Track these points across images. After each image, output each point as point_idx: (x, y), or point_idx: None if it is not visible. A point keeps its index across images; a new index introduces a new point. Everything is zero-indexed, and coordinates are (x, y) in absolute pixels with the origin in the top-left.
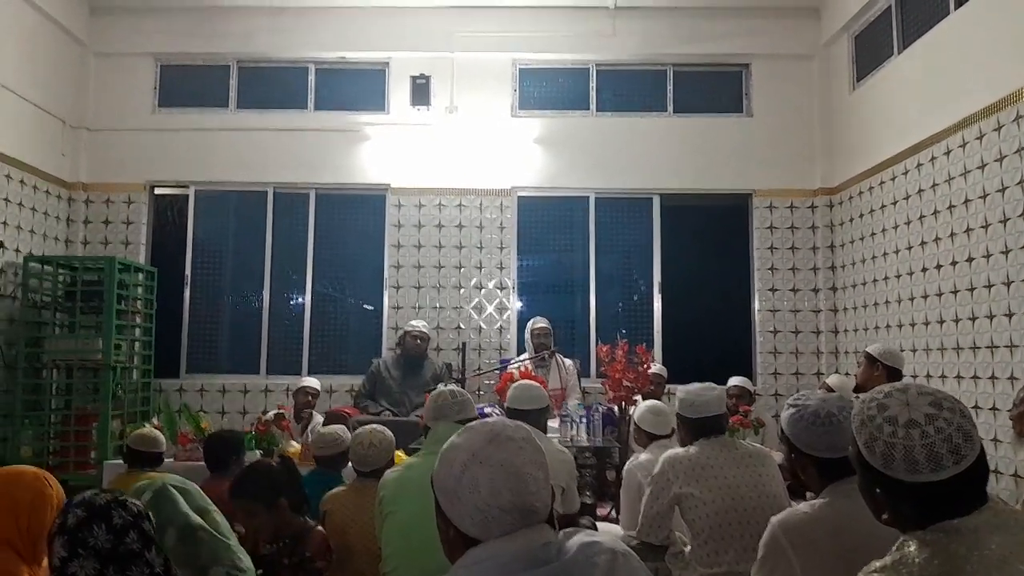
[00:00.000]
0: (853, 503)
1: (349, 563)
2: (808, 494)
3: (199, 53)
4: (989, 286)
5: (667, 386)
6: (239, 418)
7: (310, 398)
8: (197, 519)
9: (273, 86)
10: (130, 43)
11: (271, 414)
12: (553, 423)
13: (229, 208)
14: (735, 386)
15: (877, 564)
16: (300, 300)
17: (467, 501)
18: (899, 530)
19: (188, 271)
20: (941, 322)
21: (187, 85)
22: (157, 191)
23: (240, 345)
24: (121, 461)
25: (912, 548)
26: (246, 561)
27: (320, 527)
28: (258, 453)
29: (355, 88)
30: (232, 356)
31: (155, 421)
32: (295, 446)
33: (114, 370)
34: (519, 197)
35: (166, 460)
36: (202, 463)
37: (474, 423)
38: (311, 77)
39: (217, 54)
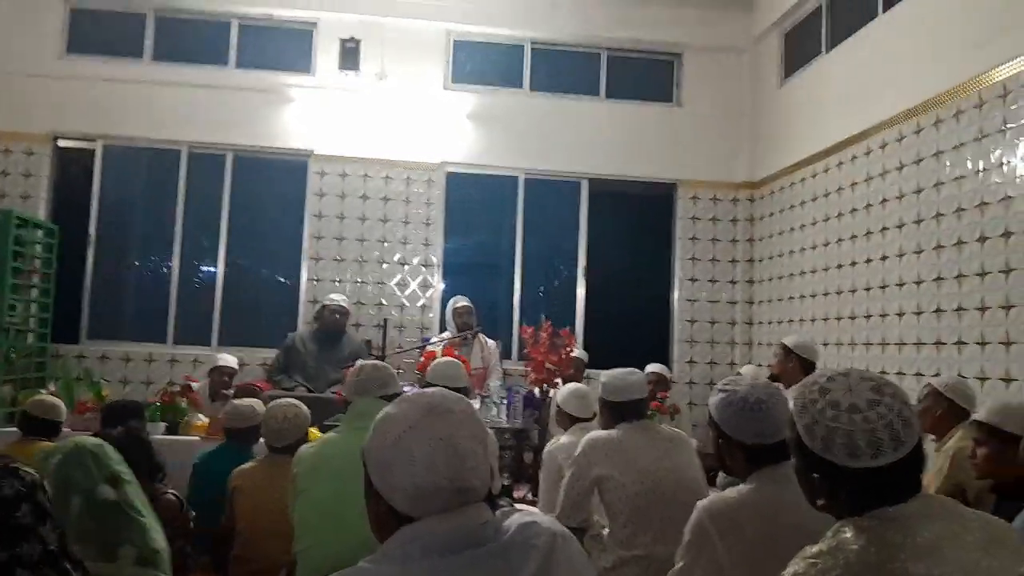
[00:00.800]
0: (780, 489)
1: (260, 541)
2: (719, 477)
3: None
4: (901, 284)
5: (587, 371)
6: (143, 388)
7: (226, 378)
8: (107, 491)
9: (193, 39)
10: None
11: (179, 386)
12: (474, 404)
13: (140, 166)
14: (652, 373)
15: (813, 549)
16: (212, 267)
17: (401, 475)
18: (834, 516)
19: (93, 230)
20: (853, 318)
21: (99, 32)
22: (61, 143)
23: (146, 312)
24: (13, 428)
25: (848, 534)
26: (160, 541)
27: (171, 495)
28: (162, 425)
29: (280, 47)
30: (138, 323)
31: (51, 387)
32: (203, 419)
33: (7, 332)
34: (448, 173)
35: (63, 429)
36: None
37: (412, 393)
38: (234, 32)
39: (133, 1)
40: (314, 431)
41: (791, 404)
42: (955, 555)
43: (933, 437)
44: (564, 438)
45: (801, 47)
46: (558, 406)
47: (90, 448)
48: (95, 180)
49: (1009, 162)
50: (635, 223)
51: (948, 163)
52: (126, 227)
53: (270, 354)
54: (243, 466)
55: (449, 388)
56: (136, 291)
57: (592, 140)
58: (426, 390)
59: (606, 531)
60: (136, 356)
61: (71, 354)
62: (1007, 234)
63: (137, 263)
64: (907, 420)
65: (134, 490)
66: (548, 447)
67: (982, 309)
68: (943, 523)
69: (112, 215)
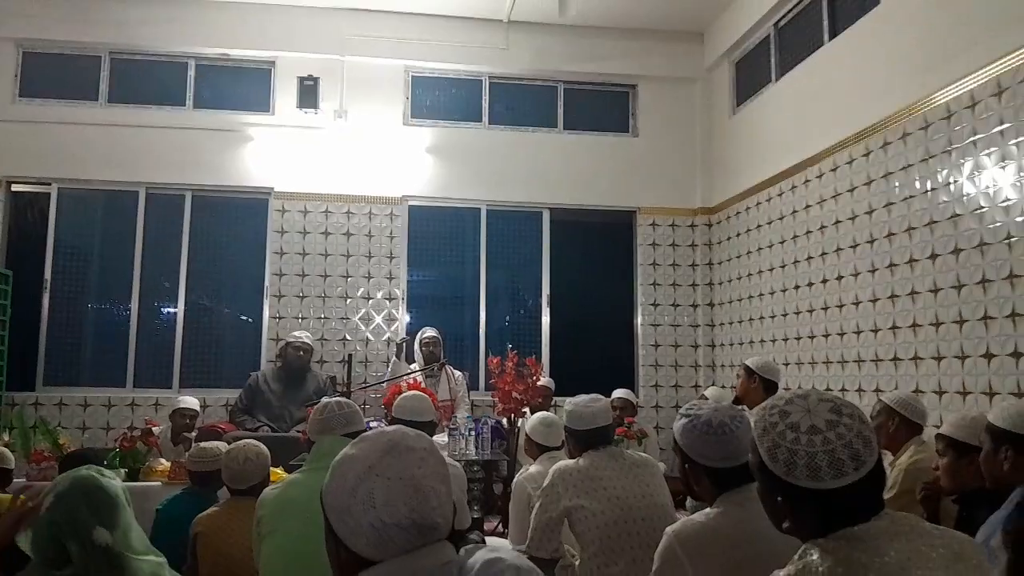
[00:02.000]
0: (747, 512)
1: None
2: (688, 500)
3: (67, 41)
4: (857, 303)
5: (554, 399)
6: (102, 434)
7: (188, 420)
8: (102, 535)
9: (149, 80)
10: None
11: (140, 430)
12: (442, 437)
13: (96, 209)
14: (619, 398)
15: (781, 573)
16: (172, 308)
17: (361, 518)
18: (799, 539)
19: (48, 275)
20: (812, 337)
21: (53, 75)
22: (15, 188)
23: (105, 356)
24: None
25: (815, 556)
26: None
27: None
28: (123, 471)
29: (238, 87)
30: (96, 368)
31: (5, 437)
32: (164, 464)
33: None
34: (410, 206)
35: (16, 480)
36: None
37: (371, 432)
38: (191, 73)
39: (87, 43)
40: (280, 472)
41: (753, 427)
42: (922, 574)
43: (888, 452)
44: (533, 468)
45: (752, 76)
46: (526, 435)
47: (83, 484)
48: (50, 224)
49: (956, 181)
50: (597, 251)
51: (897, 184)
52: (83, 270)
53: (233, 394)
54: (205, 511)
55: (416, 423)
56: (93, 335)
57: (551, 171)
58: (385, 428)
59: (577, 561)
60: (95, 401)
61: (27, 402)
62: (957, 251)
63: (94, 306)
64: (867, 439)
65: (123, 531)
66: (517, 477)
67: (936, 324)
68: (908, 541)
69: (68, 259)
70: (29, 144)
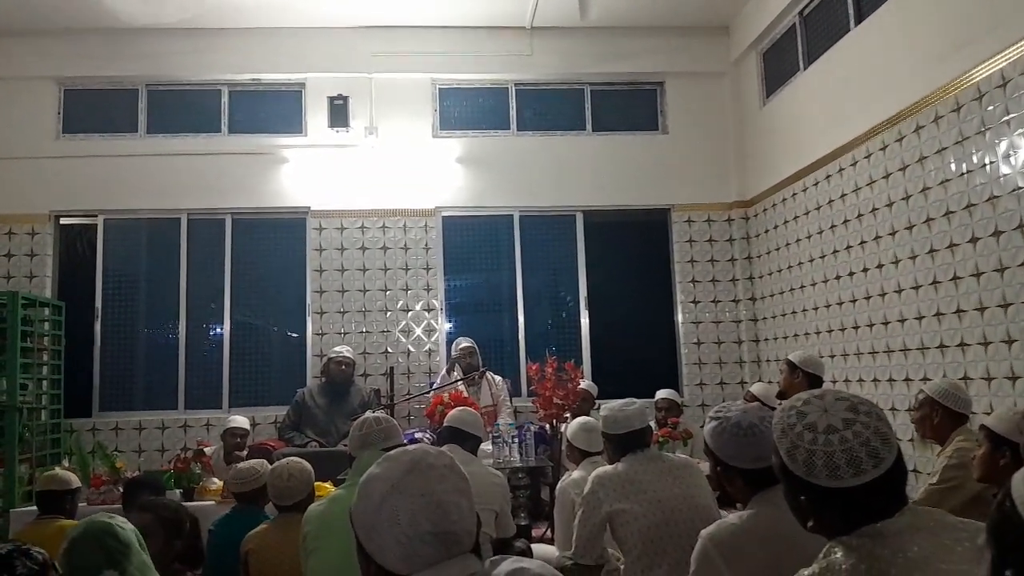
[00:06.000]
0: (780, 512)
1: None
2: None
3: (105, 77)
4: (899, 291)
5: (597, 402)
6: (157, 456)
7: (239, 439)
8: None
9: (184, 110)
10: (31, 67)
11: (192, 451)
12: (486, 445)
13: (141, 237)
14: (663, 399)
15: (806, 572)
16: (219, 330)
17: (387, 534)
18: (825, 536)
19: (99, 304)
20: (856, 327)
21: (93, 110)
22: (63, 221)
23: (156, 379)
24: (33, 507)
25: (839, 554)
26: None
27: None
28: (178, 492)
29: (271, 110)
30: (148, 391)
31: (66, 463)
32: (217, 483)
33: (20, 411)
34: (444, 217)
35: (79, 504)
36: (117, 506)
37: (394, 451)
38: (224, 100)
39: (124, 77)
40: (328, 486)
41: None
42: (945, 568)
43: (935, 443)
44: (576, 473)
45: (779, 66)
46: (568, 441)
47: (96, 530)
48: (98, 254)
49: (992, 162)
50: (633, 250)
51: (932, 168)
52: (131, 297)
53: (281, 412)
54: (254, 529)
55: (469, 433)
56: (145, 360)
57: (583, 173)
58: (409, 447)
59: (622, 565)
60: (149, 424)
61: (84, 428)
62: (997, 233)
63: (144, 332)
64: (884, 436)
65: (137, 570)
66: (560, 483)
67: (981, 309)
68: (932, 536)
69: (117, 287)
70: (74, 178)
